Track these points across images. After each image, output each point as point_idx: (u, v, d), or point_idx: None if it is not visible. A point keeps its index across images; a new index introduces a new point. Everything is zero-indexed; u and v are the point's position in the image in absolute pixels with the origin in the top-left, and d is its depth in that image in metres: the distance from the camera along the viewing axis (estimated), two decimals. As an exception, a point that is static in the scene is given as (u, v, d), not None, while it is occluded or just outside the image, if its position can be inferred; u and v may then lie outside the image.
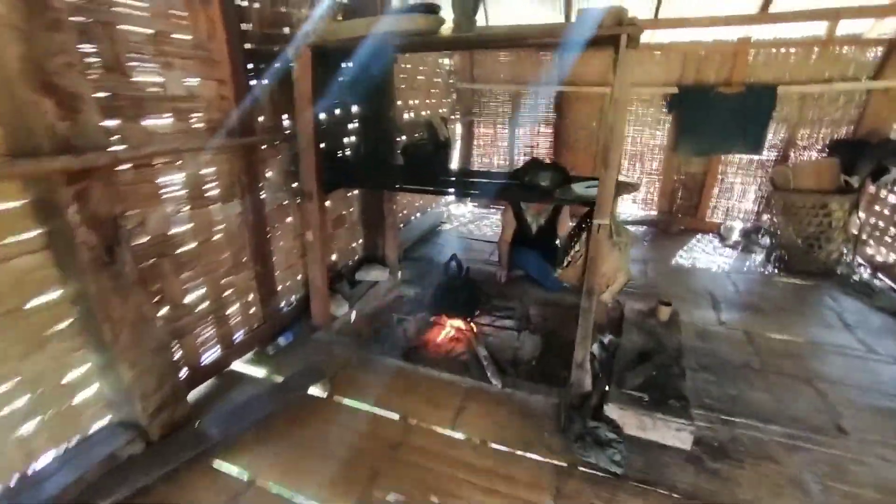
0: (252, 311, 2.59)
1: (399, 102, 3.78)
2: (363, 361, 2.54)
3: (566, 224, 3.42)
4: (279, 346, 2.66)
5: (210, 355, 2.32)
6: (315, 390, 2.27)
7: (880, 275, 3.48)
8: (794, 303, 3.15)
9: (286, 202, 2.71)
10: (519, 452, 1.92)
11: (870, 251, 3.79)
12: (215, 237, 2.25)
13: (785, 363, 2.45)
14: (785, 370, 2.40)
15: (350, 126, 3.16)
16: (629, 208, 4.90)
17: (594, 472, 1.81)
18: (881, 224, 3.74)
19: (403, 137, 4.03)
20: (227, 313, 2.40)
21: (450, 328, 2.96)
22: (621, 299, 3.10)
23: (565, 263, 2.09)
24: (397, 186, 2.71)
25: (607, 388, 2.11)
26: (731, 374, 2.36)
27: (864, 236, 3.76)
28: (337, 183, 2.72)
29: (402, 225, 4.44)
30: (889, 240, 3.58)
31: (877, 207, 3.79)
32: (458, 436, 2.02)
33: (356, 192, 3.42)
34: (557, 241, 3.51)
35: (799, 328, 2.82)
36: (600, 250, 1.95)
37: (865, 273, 3.51)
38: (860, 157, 3.44)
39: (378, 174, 2.83)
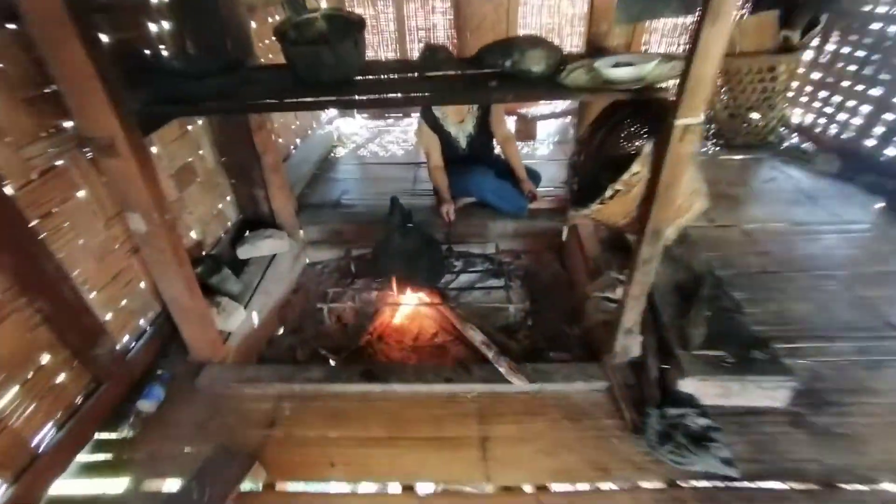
0: (60, 379, 1.38)
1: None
2: (301, 403, 1.59)
3: (502, 122, 2.60)
4: (143, 415, 1.54)
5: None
6: (241, 486, 1.30)
7: (802, 137, 3.48)
8: (754, 182, 2.96)
9: (60, 161, 1.36)
10: (598, 487, 1.31)
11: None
12: None
13: (793, 258, 2.19)
14: (799, 266, 2.13)
15: (154, -3, 1.72)
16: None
17: (703, 484, 1.29)
18: (793, 84, 3.68)
19: (253, 24, 2.60)
20: (-3, 411, 1.18)
21: (408, 303, 2.10)
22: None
23: (610, 194, 1.33)
24: (288, 102, 1.52)
25: (672, 351, 1.56)
26: (758, 286, 2.01)
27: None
28: (163, 112, 1.42)
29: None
30: (805, 100, 3.54)
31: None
32: (501, 488, 1.31)
33: (200, 121, 2.07)
34: (496, 149, 2.70)
35: (776, 210, 2.60)
36: (679, 169, 1.22)
37: (793, 138, 3.48)
38: (792, 7, 3.15)
39: (237, 85, 1.56)
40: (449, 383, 1.60)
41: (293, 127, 3.40)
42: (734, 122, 3.41)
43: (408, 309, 2.11)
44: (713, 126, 3.61)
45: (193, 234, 2.03)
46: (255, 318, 2.02)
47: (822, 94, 3.32)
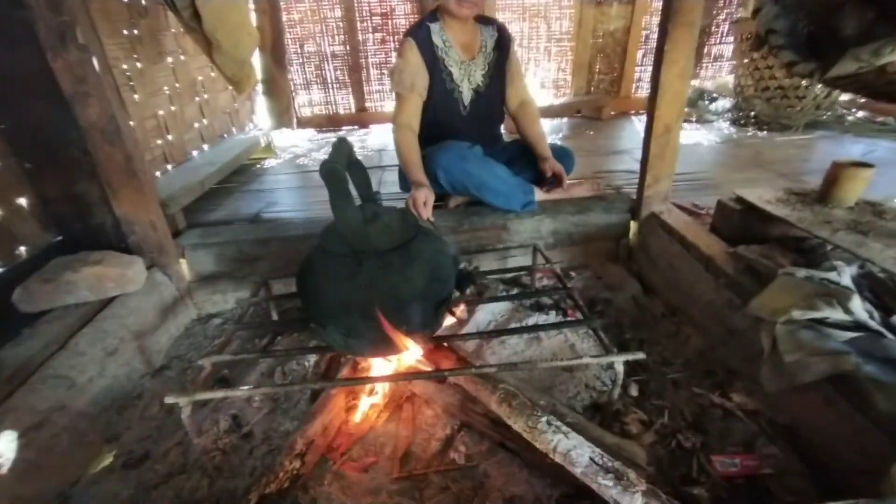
0: None
1: None
2: None
3: (521, 76, 1.69)
4: None
5: None
6: None
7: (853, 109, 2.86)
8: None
9: None
10: None
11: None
12: None
13: None
14: None
15: None
16: (540, 95, 3.45)
17: None
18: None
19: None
20: None
21: (386, 375, 0.97)
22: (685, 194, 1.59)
23: None
24: None
25: None
26: None
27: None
28: None
29: (168, 167, 2.04)
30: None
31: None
32: None
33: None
34: (502, 131, 1.79)
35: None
36: None
37: (856, 113, 2.84)
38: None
39: None
40: None
41: (196, 126, 2.34)
42: (773, 105, 2.74)
43: (385, 388, 0.99)
44: (747, 110, 2.92)
45: None
46: (7, 451, 0.82)
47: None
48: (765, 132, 2.74)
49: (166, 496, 0.89)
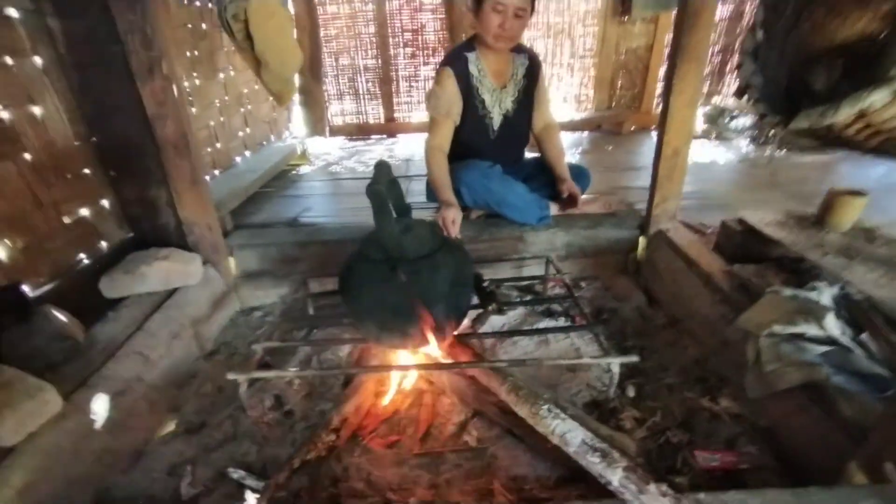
0: None
1: None
2: None
3: (548, 102, 1.81)
4: None
5: None
6: None
7: None
8: (869, 181, 2.22)
9: None
10: None
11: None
12: None
13: None
14: None
15: None
16: (561, 109, 3.57)
17: None
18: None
19: None
20: None
21: (409, 364, 1.12)
22: (689, 215, 1.69)
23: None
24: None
25: None
26: None
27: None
28: None
29: (216, 172, 2.25)
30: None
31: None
32: None
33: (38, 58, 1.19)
34: (525, 152, 1.90)
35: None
36: None
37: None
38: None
39: None
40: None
41: (241, 134, 2.55)
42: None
43: (409, 377, 1.14)
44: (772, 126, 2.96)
45: (-2, 252, 1.07)
46: (101, 410, 1.00)
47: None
48: (783, 151, 2.79)
49: (222, 458, 1.05)
